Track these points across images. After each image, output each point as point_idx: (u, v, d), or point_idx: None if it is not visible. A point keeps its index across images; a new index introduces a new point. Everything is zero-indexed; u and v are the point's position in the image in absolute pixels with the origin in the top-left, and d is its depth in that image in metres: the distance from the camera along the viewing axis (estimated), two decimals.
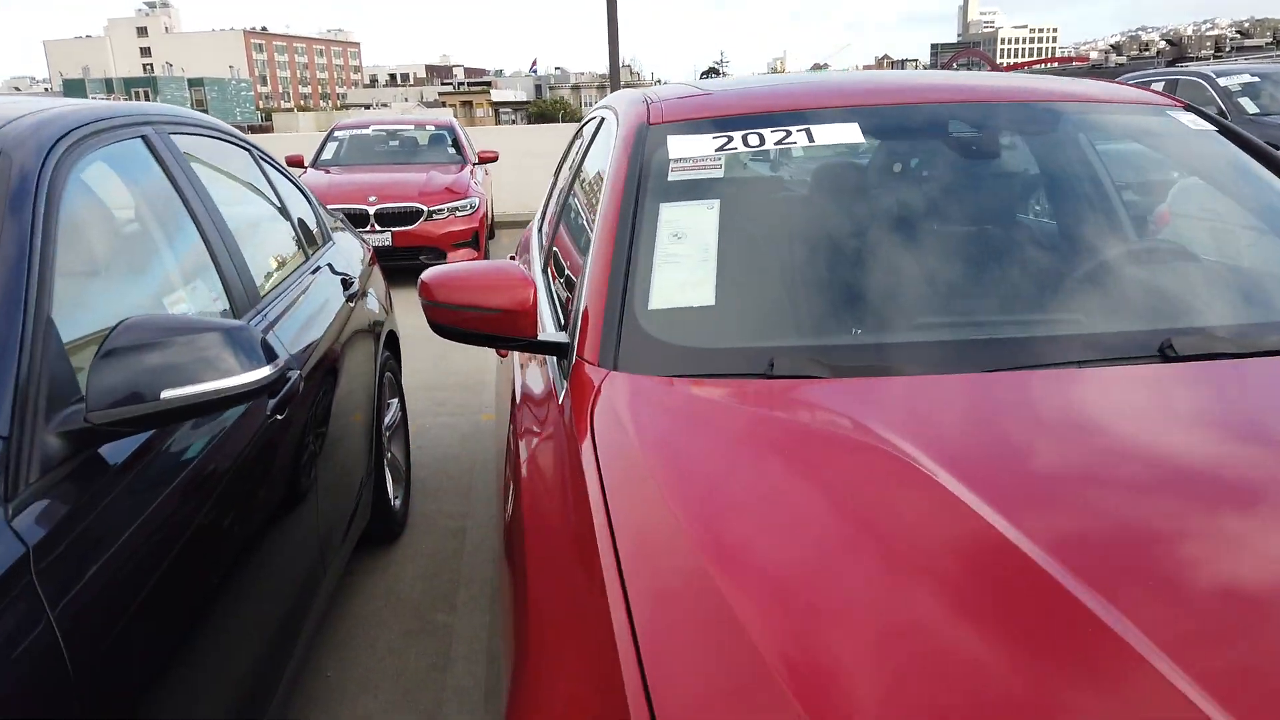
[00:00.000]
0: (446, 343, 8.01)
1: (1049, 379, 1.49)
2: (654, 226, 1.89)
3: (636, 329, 1.68)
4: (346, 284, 3.27)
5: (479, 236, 9.39)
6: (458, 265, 1.92)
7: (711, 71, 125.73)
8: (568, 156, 3.44)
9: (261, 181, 3.04)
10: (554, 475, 1.52)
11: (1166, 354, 1.55)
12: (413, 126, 11.41)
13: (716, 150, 2.04)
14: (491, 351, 7.66)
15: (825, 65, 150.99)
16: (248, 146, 3.02)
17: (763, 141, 2.04)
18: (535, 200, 14.34)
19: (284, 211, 3.09)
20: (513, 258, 3.83)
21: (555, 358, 1.86)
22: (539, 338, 1.83)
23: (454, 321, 1.84)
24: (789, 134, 2.05)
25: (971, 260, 1.84)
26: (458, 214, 9.23)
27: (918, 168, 2.12)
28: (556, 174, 3.74)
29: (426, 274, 1.90)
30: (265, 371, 1.58)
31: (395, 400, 3.88)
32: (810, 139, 2.03)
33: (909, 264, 1.81)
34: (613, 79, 13.27)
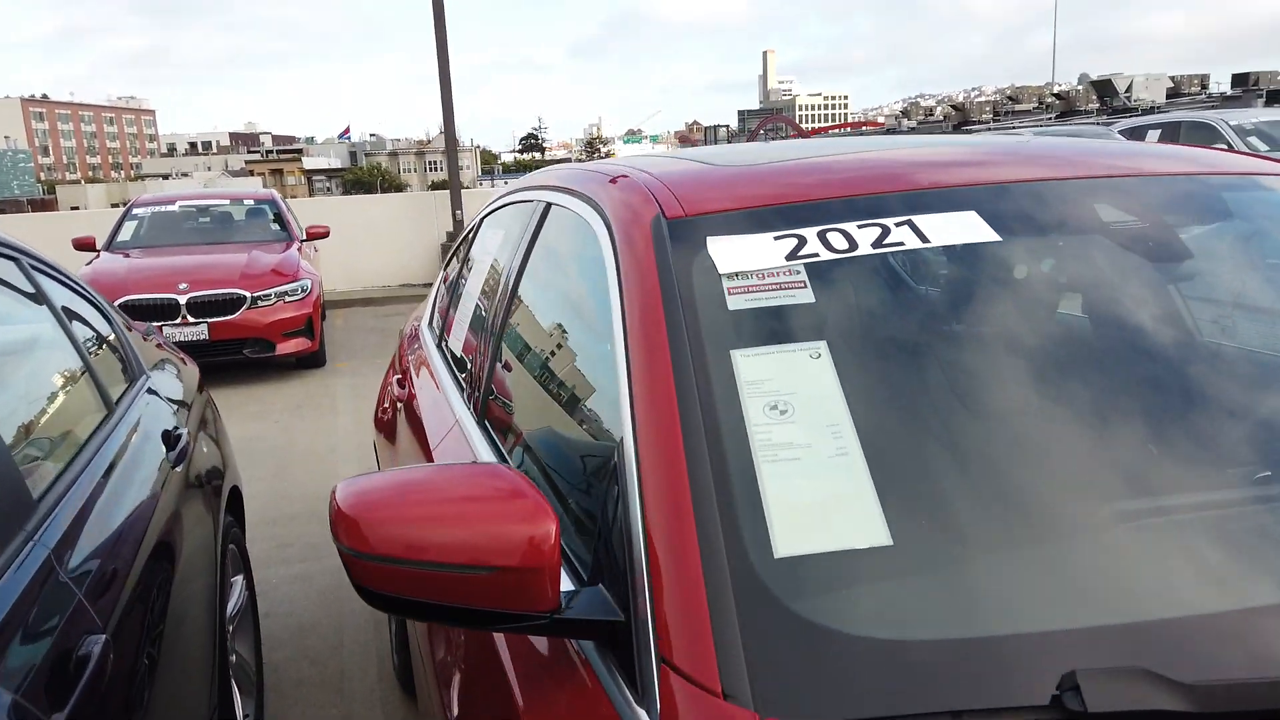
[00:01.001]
0: (285, 450, 6.78)
1: None
2: (732, 393, 1.15)
3: (781, 614, 0.93)
4: (171, 439, 2.32)
5: (313, 323, 8.29)
6: (407, 474, 1.11)
7: (530, 138, 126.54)
8: (476, 250, 2.61)
9: (33, 306, 2.07)
10: None
11: None
12: (228, 201, 10.15)
13: (788, 258, 1.32)
14: (346, 453, 6.49)
15: (639, 130, 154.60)
16: (14, 254, 2.06)
17: (853, 244, 1.35)
18: (366, 276, 13.26)
19: (74, 348, 2.12)
20: (400, 379, 2.95)
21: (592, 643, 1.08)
22: (565, 611, 1.03)
23: (409, 587, 1.02)
24: (886, 231, 1.36)
25: None
26: (288, 299, 8.10)
27: (1077, 273, 1.48)
28: (459, 268, 2.87)
29: (344, 493, 1.08)
30: None
31: (240, 577, 2.90)
32: (921, 237, 1.35)
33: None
34: (449, 145, 12.47)
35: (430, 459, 2.03)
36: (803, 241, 1.35)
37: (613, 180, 1.67)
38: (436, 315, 2.87)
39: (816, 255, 1.33)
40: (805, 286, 1.29)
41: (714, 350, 1.22)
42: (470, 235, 2.80)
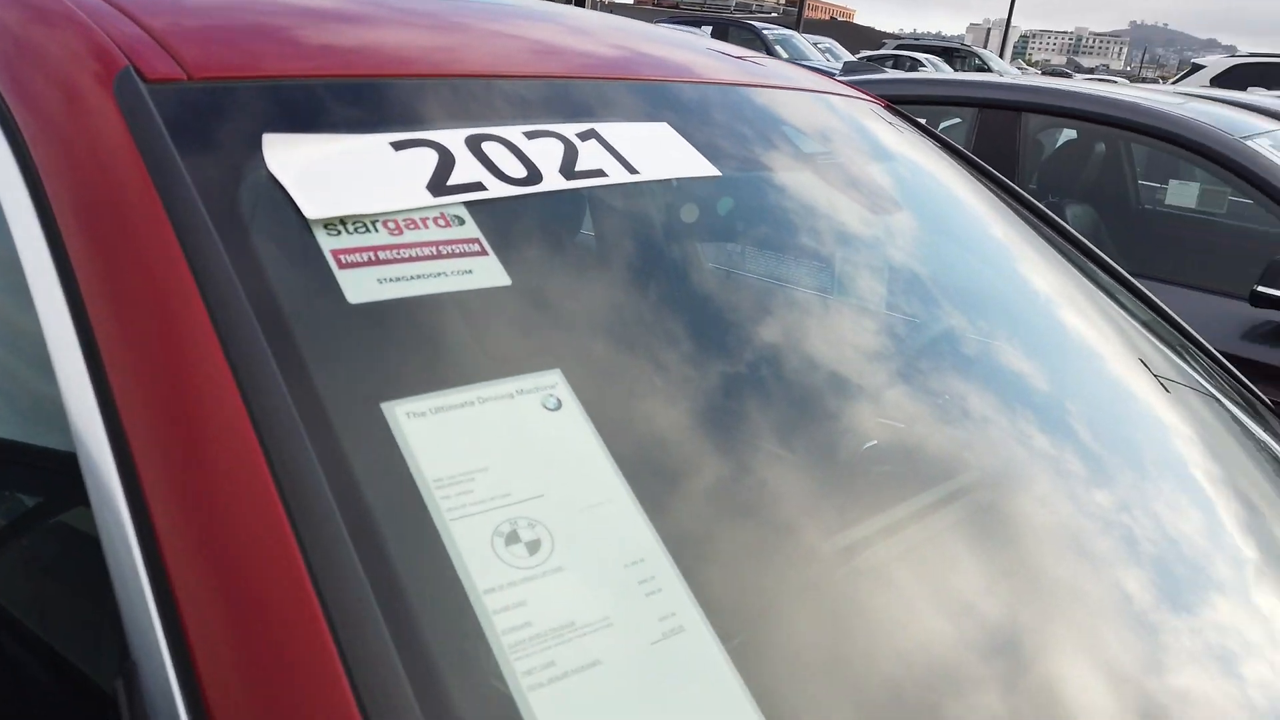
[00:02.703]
0: None
1: None
2: (410, 508, 0.52)
3: None
4: None
5: None
6: None
7: None
8: None
9: None
10: None
11: None
12: None
13: (434, 190, 0.69)
14: None
15: None
16: None
17: (534, 171, 0.75)
18: None
19: None
20: None
21: None
22: None
23: None
24: (571, 149, 0.79)
25: None
26: None
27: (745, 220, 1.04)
28: None
29: None
30: None
31: None
32: (623, 164, 0.82)
33: None
34: None
35: None
36: (448, 159, 0.72)
37: None
38: None
39: (483, 188, 0.71)
40: (484, 250, 0.68)
41: (338, 400, 0.56)
42: None
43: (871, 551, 0.72)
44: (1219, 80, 9.01)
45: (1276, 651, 0.80)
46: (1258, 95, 5.37)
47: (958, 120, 3.32)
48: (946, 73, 13.65)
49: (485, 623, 0.50)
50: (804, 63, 14.21)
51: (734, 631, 0.56)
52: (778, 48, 15.42)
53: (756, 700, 0.52)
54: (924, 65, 15.89)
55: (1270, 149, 2.55)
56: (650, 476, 0.63)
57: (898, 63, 17.30)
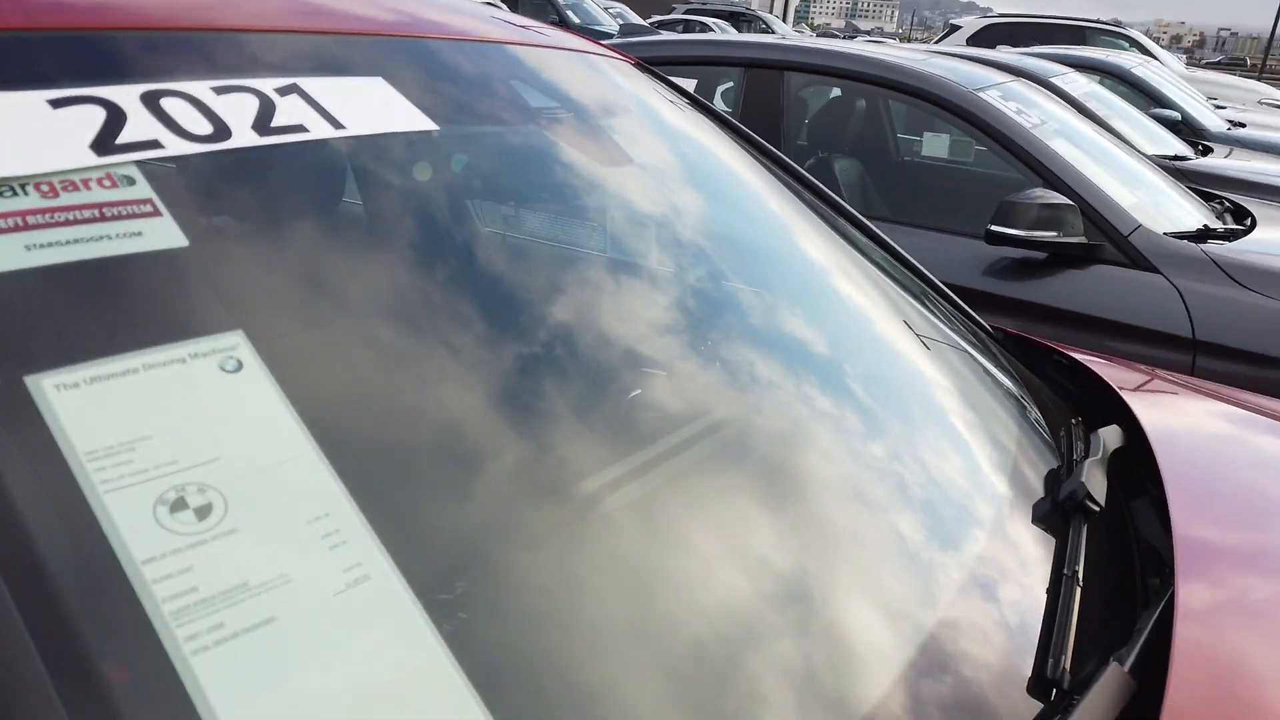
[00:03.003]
0: None
1: None
2: (62, 486, 0.49)
3: None
4: None
5: None
6: None
7: None
8: None
9: None
10: None
11: None
12: None
13: (99, 149, 0.64)
14: None
15: None
16: None
17: (222, 128, 0.72)
18: None
19: None
20: None
21: None
22: None
23: None
24: (268, 103, 0.76)
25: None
26: None
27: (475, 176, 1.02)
28: None
29: None
30: None
31: None
32: (328, 118, 0.79)
33: None
34: None
35: None
36: (119, 116, 0.68)
37: None
38: None
39: (159, 146, 0.67)
40: (156, 211, 0.64)
41: None
42: None
43: (593, 496, 0.74)
44: (974, 39, 9.75)
45: (1027, 575, 0.88)
46: (1003, 52, 5.86)
47: (732, 83, 3.43)
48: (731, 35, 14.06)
49: (144, 594, 0.48)
50: (595, 28, 14.25)
51: (427, 577, 0.57)
52: (569, 13, 15.36)
53: (444, 637, 0.53)
54: (711, 29, 16.26)
55: (999, 99, 2.79)
56: (343, 433, 0.62)
57: (687, 27, 17.62)
